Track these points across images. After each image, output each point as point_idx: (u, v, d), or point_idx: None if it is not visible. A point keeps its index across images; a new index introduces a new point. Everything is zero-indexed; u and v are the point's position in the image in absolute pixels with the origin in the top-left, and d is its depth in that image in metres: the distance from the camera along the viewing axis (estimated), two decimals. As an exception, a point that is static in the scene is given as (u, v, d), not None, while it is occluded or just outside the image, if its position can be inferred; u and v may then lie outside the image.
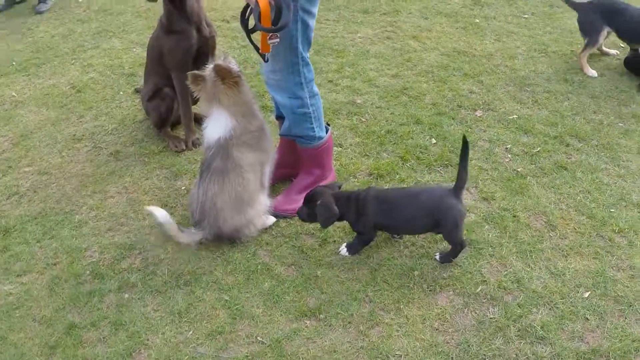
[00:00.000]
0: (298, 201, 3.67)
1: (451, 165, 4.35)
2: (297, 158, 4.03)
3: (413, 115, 4.95)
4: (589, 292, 3.44)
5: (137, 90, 5.38)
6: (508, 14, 6.95)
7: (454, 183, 3.48)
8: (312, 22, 3.51)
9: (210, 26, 4.51)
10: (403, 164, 4.39)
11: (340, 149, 4.52)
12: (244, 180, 3.61)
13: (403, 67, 5.74)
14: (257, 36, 3.41)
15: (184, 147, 4.62)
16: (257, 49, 3.42)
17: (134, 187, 4.30)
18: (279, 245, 3.74)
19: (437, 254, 3.60)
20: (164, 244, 3.78)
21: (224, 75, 3.49)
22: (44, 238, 3.93)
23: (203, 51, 4.46)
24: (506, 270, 3.56)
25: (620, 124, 5.00)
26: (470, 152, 4.31)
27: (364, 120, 4.90)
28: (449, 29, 6.56)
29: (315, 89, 3.74)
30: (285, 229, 3.84)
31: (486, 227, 3.86)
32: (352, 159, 4.43)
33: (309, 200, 3.52)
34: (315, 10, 3.49)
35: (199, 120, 4.70)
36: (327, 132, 3.93)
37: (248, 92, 3.66)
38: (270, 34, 3.28)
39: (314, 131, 3.83)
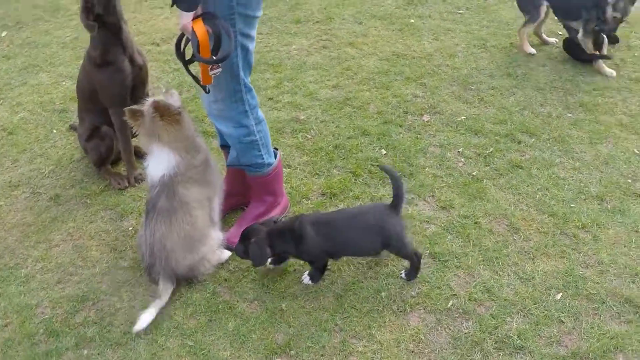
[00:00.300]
0: None
1: (405, 176, 4.33)
2: (247, 186, 3.95)
3: (359, 126, 4.92)
4: (561, 294, 3.46)
5: (71, 127, 5.18)
6: (443, 10, 7.00)
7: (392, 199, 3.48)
8: (252, 46, 3.42)
9: (142, 54, 4.39)
10: (355, 179, 4.34)
11: (289, 169, 4.45)
12: (192, 218, 3.50)
13: (343, 77, 5.70)
14: (195, 66, 3.32)
15: (127, 184, 4.47)
16: (197, 80, 3.32)
17: (78, 233, 4.14)
18: (238, 280, 3.64)
19: (402, 272, 3.57)
20: (117, 291, 3.65)
21: (163, 112, 3.38)
22: (-11, 298, 3.74)
23: (139, 81, 4.34)
24: (475, 281, 3.55)
25: (569, 115, 5.06)
26: (422, 160, 4.37)
27: (309, 137, 4.84)
28: (384, 32, 6.56)
29: (261, 114, 3.66)
30: (242, 263, 3.72)
31: (448, 237, 3.84)
32: (302, 179, 4.37)
33: (244, 238, 3.45)
34: (254, 32, 3.40)
35: (140, 154, 4.58)
36: (275, 157, 3.86)
37: (190, 126, 3.54)
38: (212, 65, 3.18)
39: (263, 158, 3.75)
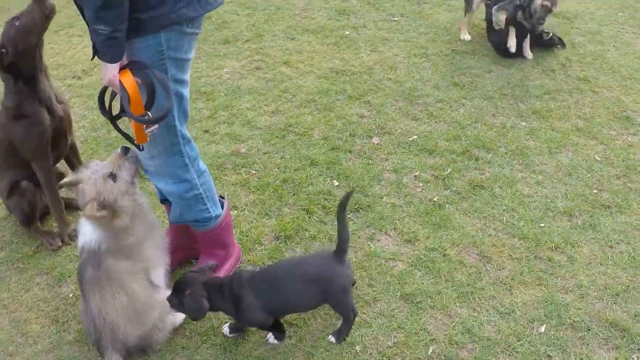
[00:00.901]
0: None
1: (362, 209, 4.11)
2: (194, 237, 3.67)
3: (306, 155, 4.66)
4: (544, 325, 3.31)
5: None
6: (377, 19, 6.82)
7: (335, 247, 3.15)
8: (187, 92, 3.13)
9: (63, 103, 4.04)
10: (309, 217, 4.08)
11: (236, 212, 4.16)
12: (127, 290, 3.16)
13: (281, 100, 5.44)
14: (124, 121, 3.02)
15: (60, 244, 4.10)
16: (129, 138, 2.99)
17: (14, 304, 3.74)
18: (196, 347, 3.32)
19: (330, 336, 3.28)
20: (63, 372, 3.31)
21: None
22: None
23: (59, 132, 4.01)
24: (453, 322, 3.36)
25: (523, 123, 4.94)
26: (378, 188, 4.17)
27: (254, 172, 4.55)
28: (319, 46, 6.33)
29: (202, 165, 3.37)
30: (199, 326, 3.43)
31: (418, 274, 3.64)
32: (252, 222, 4.08)
33: (178, 289, 3.14)
34: (188, 76, 3.12)
35: (72, 206, 4.29)
36: (223, 207, 3.57)
37: (126, 217, 3.11)
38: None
39: (209, 212, 3.46)
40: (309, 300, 3.17)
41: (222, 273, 3.55)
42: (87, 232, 3.12)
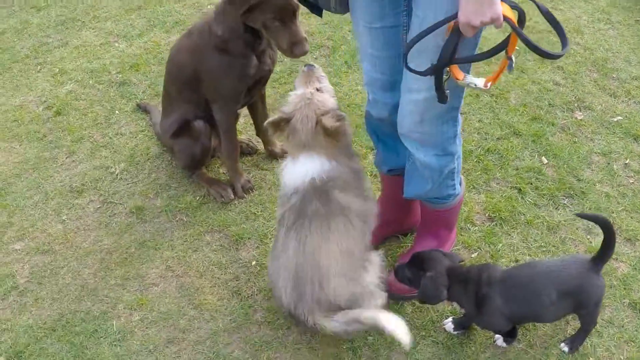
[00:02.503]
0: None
1: (577, 195, 3.86)
2: (407, 212, 3.44)
3: (506, 123, 4.37)
4: None
5: (139, 107, 4.44)
6: (553, -29, 6.39)
7: (594, 253, 2.92)
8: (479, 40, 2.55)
9: (275, 49, 3.59)
10: (522, 197, 3.84)
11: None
12: (353, 228, 2.83)
13: (466, 52, 5.10)
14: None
15: (232, 196, 3.77)
16: (442, 94, 2.49)
17: (181, 266, 3.37)
18: (415, 343, 3.06)
19: (563, 344, 3.08)
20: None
21: (329, 133, 2.79)
22: (76, 364, 2.97)
23: (262, 81, 3.68)
24: (684, 341, 3.14)
25: None
26: (589, 172, 3.97)
27: (452, 134, 4.28)
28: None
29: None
30: (414, 316, 3.19)
31: (643, 281, 3.40)
32: (459, 195, 3.84)
33: (416, 264, 2.96)
34: None
35: (245, 151, 4.04)
36: (461, 184, 3.26)
37: (350, 131, 2.96)
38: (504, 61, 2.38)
39: (454, 189, 3.15)
40: (559, 312, 2.97)
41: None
42: (308, 171, 2.84)
